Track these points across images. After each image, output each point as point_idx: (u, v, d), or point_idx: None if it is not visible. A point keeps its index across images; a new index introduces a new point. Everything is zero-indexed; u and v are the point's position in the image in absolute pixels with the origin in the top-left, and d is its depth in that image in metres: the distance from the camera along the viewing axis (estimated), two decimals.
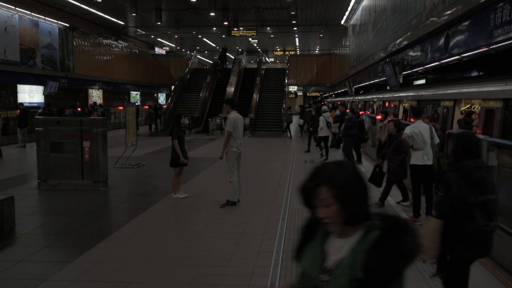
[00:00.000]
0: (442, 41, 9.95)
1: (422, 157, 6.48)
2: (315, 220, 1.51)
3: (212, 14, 25.42)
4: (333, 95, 39.25)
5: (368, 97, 21.00)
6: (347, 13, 26.69)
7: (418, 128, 6.57)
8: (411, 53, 13.01)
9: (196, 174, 10.48)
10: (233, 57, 31.67)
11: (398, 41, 14.15)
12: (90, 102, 25.71)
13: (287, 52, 45.34)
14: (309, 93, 47.95)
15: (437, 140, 6.65)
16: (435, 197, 6.65)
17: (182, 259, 5.07)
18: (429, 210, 6.53)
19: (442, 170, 6.62)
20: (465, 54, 8.66)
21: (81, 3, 24.11)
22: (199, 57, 41.64)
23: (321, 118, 12.68)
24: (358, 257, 1.38)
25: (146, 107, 29.82)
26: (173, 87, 31.07)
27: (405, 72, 13.85)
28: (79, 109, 18.67)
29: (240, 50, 38.47)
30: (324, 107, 14.31)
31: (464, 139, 3.24)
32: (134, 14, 25.21)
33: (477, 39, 8.02)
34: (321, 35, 37.08)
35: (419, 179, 6.63)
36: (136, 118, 13.93)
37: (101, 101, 27.32)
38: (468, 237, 3.00)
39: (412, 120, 8.48)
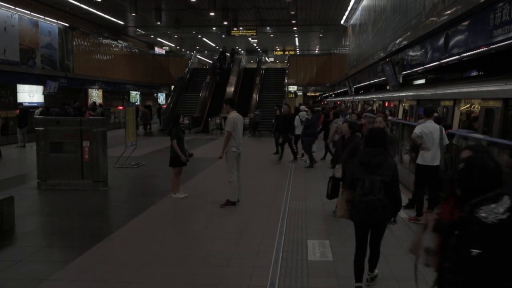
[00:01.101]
0: (442, 41, 9.95)
1: (428, 158, 6.42)
2: None
3: (212, 14, 25.44)
4: (333, 95, 39.25)
5: (367, 97, 21.00)
6: (346, 13, 26.69)
7: (429, 128, 6.48)
8: (411, 53, 13.01)
9: (196, 174, 10.48)
10: (228, 54, 31.37)
11: (398, 41, 14.15)
12: (90, 102, 25.71)
13: (287, 52, 45.36)
14: (309, 93, 47.96)
15: (446, 141, 6.58)
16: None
17: (181, 259, 5.07)
18: (430, 210, 6.51)
19: (449, 171, 6.60)
20: (465, 54, 8.66)
21: (80, 3, 24.12)
22: (199, 57, 41.63)
23: (296, 117, 13.16)
24: None
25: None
26: (173, 87, 31.07)
27: (405, 72, 13.86)
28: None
29: (239, 49, 38.42)
30: (302, 107, 15.38)
31: (369, 133, 4.33)
32: (134, 14, 25.21)
33: (476, 39, 8.02)
34: (320, 35, 37.09)
35: (423, 179, 6.59)
36: (136, 118, 13.91)
37: (101, 101, 27.30)
38: (354, 203, 4.01)
39: (409, 119, 8.46)
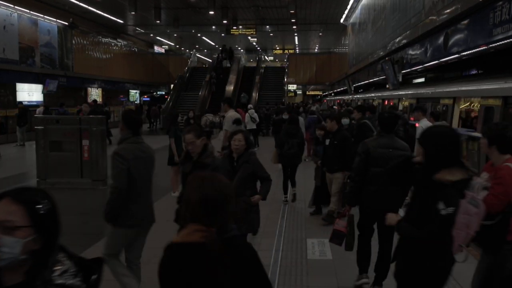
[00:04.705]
0: (441, 39, 9.95)
1: None
2: None
3: (211, 12, 25.40)
4: (332, 94, 39.25)
5: (367, 95, 21.01)
6: (346, 12, 26.68)
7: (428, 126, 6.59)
8: (411, 52, 13.01)
9: None
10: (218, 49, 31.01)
11: (397, 40, 14.16)
12: (90, 101, 25.67)
13: (286, 51, 45.30)
14: (309, 92, 47.98)
15: None
16: None
17: None
18: None
19: None
20: (465, 53, 8.67)
21: (80, 2, 24.07)
22: (199, 55, 41.59)
23: (247, 114, 15.07)
24: None
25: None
26: (172, 85, 31.05)
27: (404, 71, 13.85)
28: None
29: (238, 47, 38.26)
30: (250, 105, 17.56)
31: (289, 118, 7.88)
32: (133, 13, 25.17)
33: (476, 37, 8.02)
34: (320, 34, 37.05)
35: None
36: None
37: (101, 100, 27.26)
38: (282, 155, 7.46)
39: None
